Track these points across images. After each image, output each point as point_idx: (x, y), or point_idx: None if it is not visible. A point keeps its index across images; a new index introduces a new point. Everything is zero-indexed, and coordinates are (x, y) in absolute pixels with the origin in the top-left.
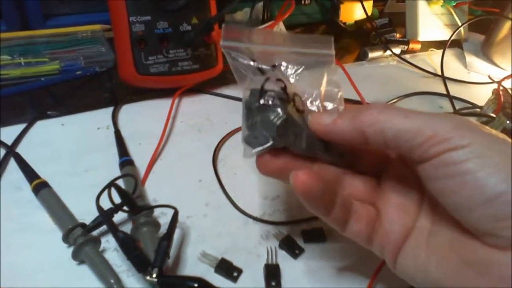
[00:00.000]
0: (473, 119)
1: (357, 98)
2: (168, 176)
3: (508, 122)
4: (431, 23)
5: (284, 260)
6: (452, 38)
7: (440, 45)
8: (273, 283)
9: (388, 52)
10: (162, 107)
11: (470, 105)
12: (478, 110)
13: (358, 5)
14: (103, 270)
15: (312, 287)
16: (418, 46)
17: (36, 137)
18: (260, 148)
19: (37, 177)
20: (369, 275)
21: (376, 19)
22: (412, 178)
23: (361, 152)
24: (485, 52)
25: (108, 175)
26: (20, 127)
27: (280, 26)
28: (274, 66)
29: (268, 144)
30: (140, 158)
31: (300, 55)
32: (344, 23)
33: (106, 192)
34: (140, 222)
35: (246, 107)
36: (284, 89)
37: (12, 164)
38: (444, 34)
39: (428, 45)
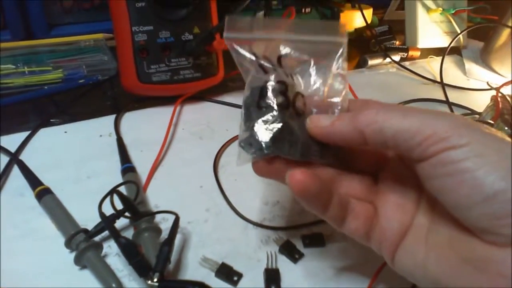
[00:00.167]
0: None
1: None
2: (170, 182)
3: (506, 128)
4: (431, 30)
5: (284, 264)
6: (451, 45)
7: (440, 52)
8: (273, 287)
9: (388, 60)
10: (164, 114)
11: (469, 112)
12: (477, 116)
13: (358, 13)
14: (105, 275)
15: None
16: (418, 53)
17: (40, 145)
18: (254, 155)
19: (40, 183)
20: (368, 279)
21: (375, 26)
22: (409, 177)
23: (358, 152)
24: (484, 59)
25: (110, 181)
26: (23, 135)
27: None
28: (279, 58)
29: (261, 154)
30: (142, 165)
31: (308, 43)
32: None
33: (108, 198)
34: (141, 228)
35: (245, 107)
36: (285, 92)
37: (16, 171)
38: (443, 41)
39: (428, 52)
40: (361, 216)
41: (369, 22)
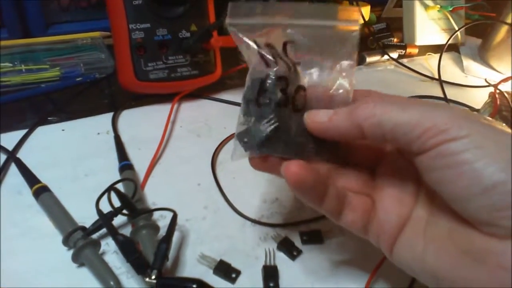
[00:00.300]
0: None
1: None
2: (167, 180)
3: (504, 125)
4: (428, 27)
5: (282, 261)
6: (449, 42)
7: (437, 49)
8: (271, 284)
9: (386, 57)
10: (162, 112)
11: (467, 108)
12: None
13: None
14: (103, 272)
15: (310, 287)
16: (416, 51)
17: (37, 143)
18: (248, 153)
19: (38, 181)
20: (367, 276)
21: (373, 24)
22: (407, 170)
23: (355, 147)
24: (482, 56)
25: (108, 179)
26: (21, 133)
27: None
28: (285, 44)
29: (255, 152)
30: (140, 162)
31: (316, 28)
32: None
33: (106, 196)
34: (139, 225)
35: (245, 100)
36: (285, 89)
37: (13, 169)
38: (441, 38)
39: (426, 50)
40: (358, 209)
41: (367, 19)
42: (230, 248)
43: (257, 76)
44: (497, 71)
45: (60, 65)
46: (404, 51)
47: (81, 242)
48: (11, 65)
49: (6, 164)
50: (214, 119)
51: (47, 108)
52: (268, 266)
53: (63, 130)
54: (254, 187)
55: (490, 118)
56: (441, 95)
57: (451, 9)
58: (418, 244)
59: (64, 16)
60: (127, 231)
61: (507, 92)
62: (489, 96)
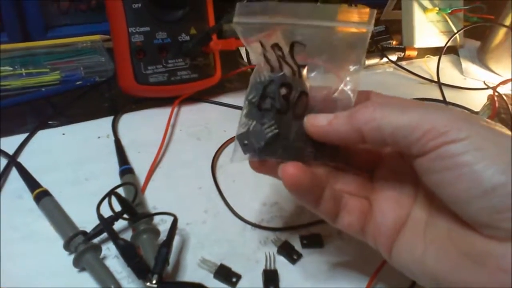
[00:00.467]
0: None
1: None
2: (168, 183)
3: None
4: (427, 30)
5: (282, 265)
6: (448, 44)
7: (436, 51)
8: None
9: (385, 59)
10: (161, 116)
11: (466, 110)
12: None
13: None
14: (104, 277)
15: None
16: (415, 53)
17: (37, 147)
18: (247, 156)
19: (39, 186)
20: (367, 280)
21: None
22: (405, 172)
23: (354, 150)
24: (480, 58)
25: (108, 183)
26: (21, 137)
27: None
28: (292, 45)
29: (254, 157)
30: (140, 166)
31: (326, 30)
32: None
33: (106, 200)
34: (140, 230)
35: (247, 102)
36: (287, 96)
37: (14, 173)
38: (440, 40)
39: (424, 52)
40: (355, 211)
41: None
42: (230, 252)
43: (261, 80)
44: (496, 73)
45: (60, 69)
46: (403, 54)
47: (82, 246)
48: (11, 69)
49: (7, 168)
50: (214, 122)
51: (47, 112)
52: (268, 270)
53: (63, 134)
54: (254, 190)
55: (489, 120)
56: (440, 98)
57: (449, 11)
58: (418, 246)
59: (63, 19)
60: (127, 236)
61: (505, 95)
62: (488, 99)
